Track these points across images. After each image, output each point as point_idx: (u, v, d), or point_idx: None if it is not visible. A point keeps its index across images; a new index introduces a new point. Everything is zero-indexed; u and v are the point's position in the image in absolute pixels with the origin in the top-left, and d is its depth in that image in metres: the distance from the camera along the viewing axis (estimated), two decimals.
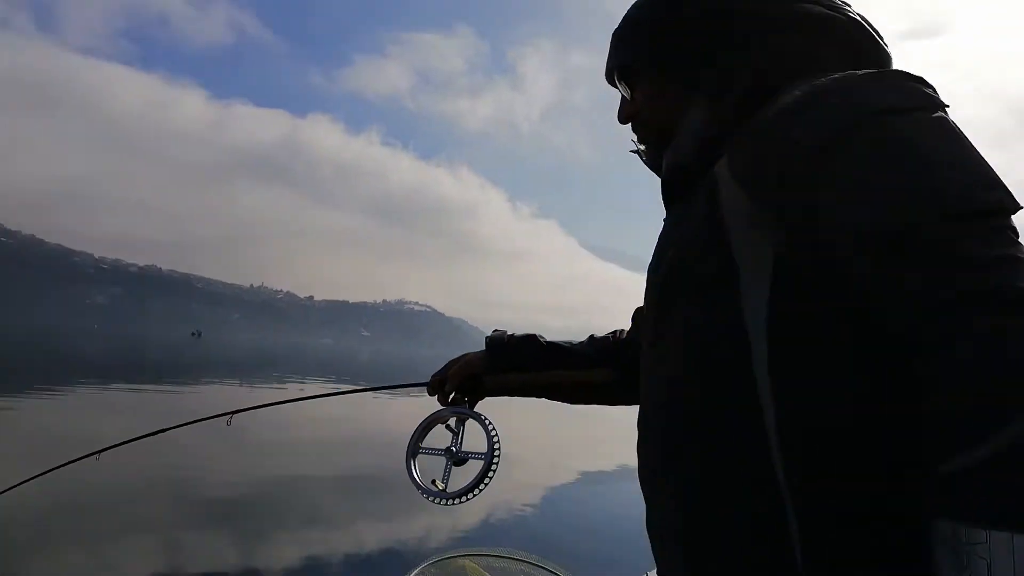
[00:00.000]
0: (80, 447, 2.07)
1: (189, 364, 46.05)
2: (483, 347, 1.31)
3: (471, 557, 3.00)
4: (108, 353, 50.58)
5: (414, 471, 1.31)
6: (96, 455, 1.91)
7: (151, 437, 1.99)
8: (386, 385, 1.99)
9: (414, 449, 1.34)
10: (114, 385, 26.09)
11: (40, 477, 1.90)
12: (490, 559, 2.99)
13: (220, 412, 1.89)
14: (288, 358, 65.01)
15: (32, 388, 22.92)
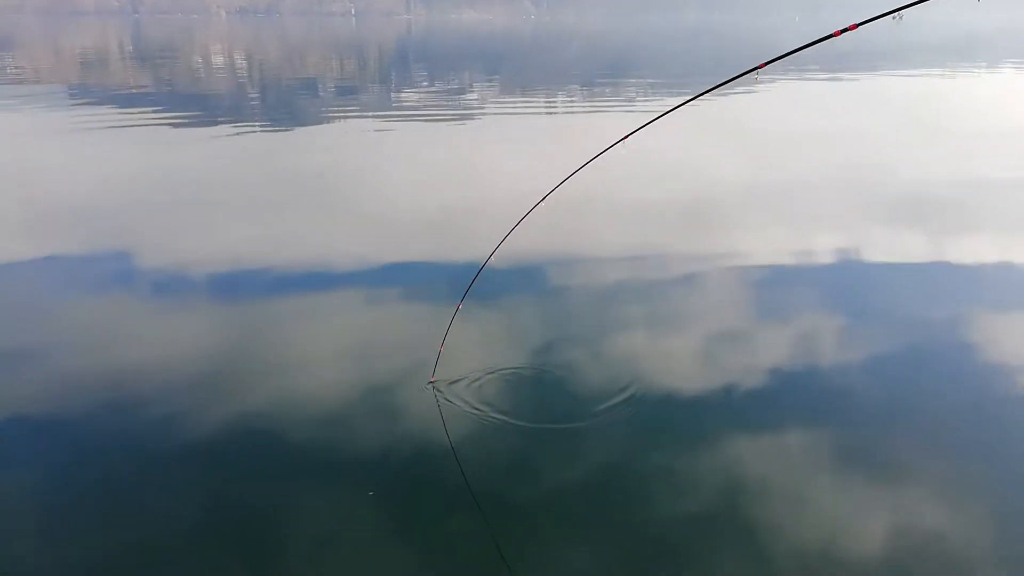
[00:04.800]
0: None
1: (886, 51, 43.31)
2: None
3: None
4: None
5: None
6: None
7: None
8: None
9: None
10: (808, 74, 26.88)
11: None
12: None
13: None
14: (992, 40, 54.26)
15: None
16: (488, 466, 3.94)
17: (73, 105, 19.11)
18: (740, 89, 22.24)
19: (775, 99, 20.97)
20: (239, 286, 6.62)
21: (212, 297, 6.39)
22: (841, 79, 26.42)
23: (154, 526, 3.48)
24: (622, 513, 3.54)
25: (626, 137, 3.82)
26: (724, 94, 20.86)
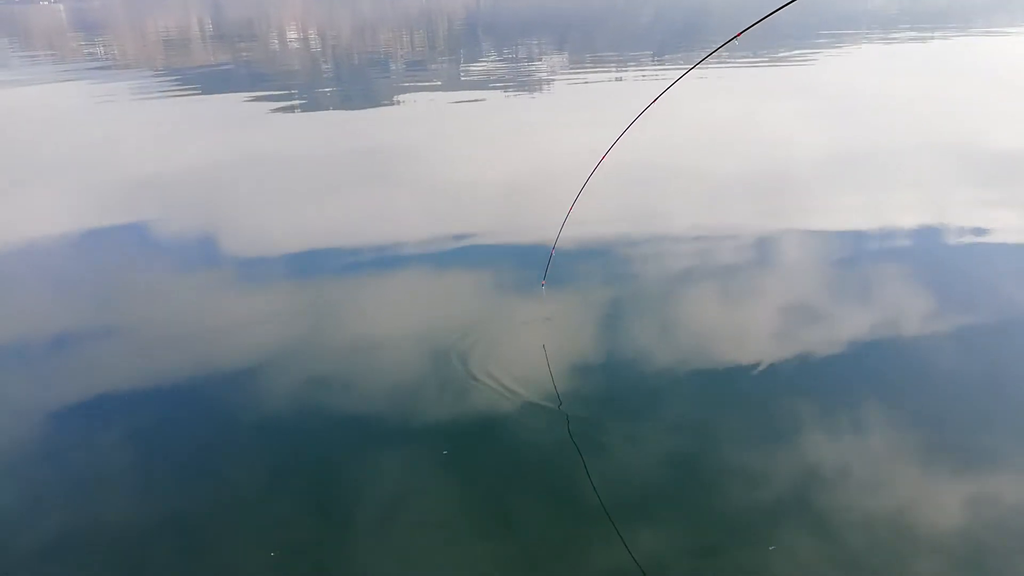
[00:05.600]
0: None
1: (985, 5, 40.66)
2: None
3: None
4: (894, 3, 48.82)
5: None
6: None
7: None
8: None
9: None
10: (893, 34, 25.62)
11: None
12: None
13: None
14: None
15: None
16: (571, 430, 4.10)
17: (163, 79, 20.11)
18: (825, 52, 21.42)
19: (864, 61, 20.12)
20: (328, 251, 7.02)
21: (299, 264, 6.73)
22: (937, 39, 25.08)
23: (234, 488, 3.72)
24: (705, 483, 3.65)
25: (670, 87, 4.08)
26: (806, 58, 20.15)
